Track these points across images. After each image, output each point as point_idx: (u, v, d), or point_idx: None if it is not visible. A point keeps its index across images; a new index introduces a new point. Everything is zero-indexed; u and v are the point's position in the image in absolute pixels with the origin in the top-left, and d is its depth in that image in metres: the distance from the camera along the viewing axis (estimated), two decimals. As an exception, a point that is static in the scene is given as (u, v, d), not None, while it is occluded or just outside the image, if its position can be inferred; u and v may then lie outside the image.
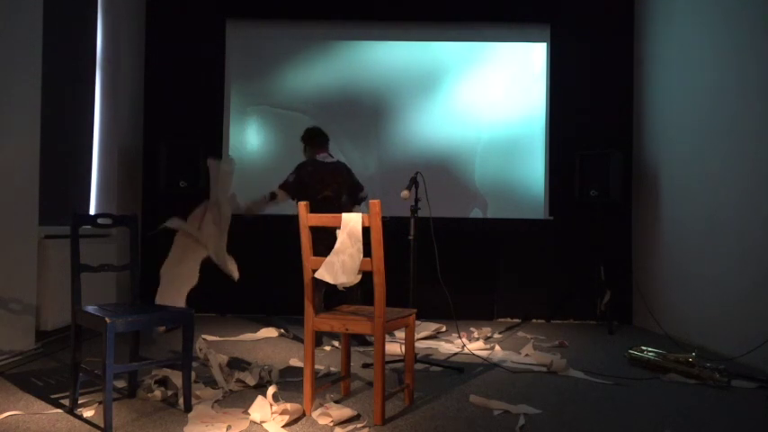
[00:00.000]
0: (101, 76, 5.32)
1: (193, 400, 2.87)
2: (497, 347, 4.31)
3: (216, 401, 2.93)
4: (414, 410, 2.90)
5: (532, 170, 5.86)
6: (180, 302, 3.69)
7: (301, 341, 4.44)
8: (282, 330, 4.86)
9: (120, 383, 3.12)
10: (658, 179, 5.32)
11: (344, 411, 2.74)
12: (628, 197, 5.75)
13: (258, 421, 2.66)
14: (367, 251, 2.73)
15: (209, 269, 5.83)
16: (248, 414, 2.72)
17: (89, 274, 2.90)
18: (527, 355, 4.10)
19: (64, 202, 4.72)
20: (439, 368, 3.72)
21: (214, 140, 5.81)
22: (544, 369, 3.71)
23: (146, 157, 5.81)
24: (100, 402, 2.85)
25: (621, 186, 5.35)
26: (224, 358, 3.54)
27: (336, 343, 4.39)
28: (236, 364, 3.67)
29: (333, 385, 3.09)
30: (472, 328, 5.10)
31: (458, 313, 4.81)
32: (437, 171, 5.71)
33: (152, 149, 5.69)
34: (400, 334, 4.50)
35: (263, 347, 4.30)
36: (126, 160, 5.51)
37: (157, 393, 2.97)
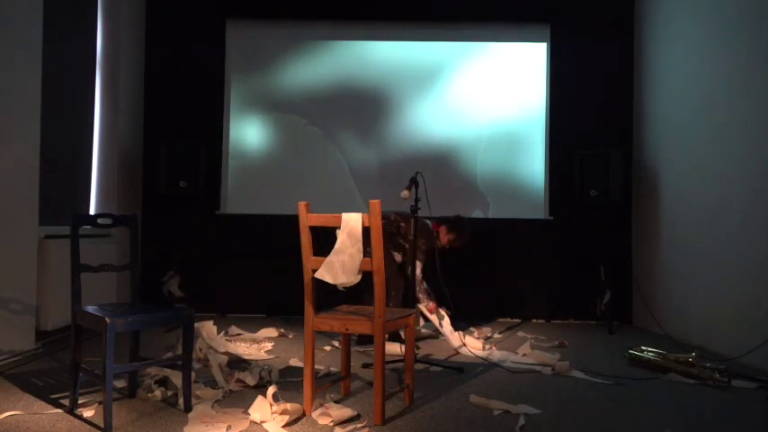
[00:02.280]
0: (101, 76, 5.32)
1: (193, 400, 2.86)
2: (494, 348, 4.29)
3: (216, 401, 2.93)
4: (414, 410, 2.89)
5: (532, 170, 5.86)
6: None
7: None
8: (282, 330, 4.86)
9: (120, 383, 3.12)
10: (658, 179, 5.32)
11: (344, 411, 2.74)
12: (628, 197, 5.75)
13: (258, 421, 2.66)
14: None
15: (209, 268, 5.85)
16: (248, 414, 2.72)
17: (89, 274, 2.90)
18: (524, 354, 4.10)
19: (64, 202, 4.72)
20: (439, 368, 3.72)
21: (214, 140, 5.81)
22: (547, 369, 3.71)
23: (146, 157, 5.81)
24: (100, 402, 2.85)
25: (621, 186, 5.35)
26: (224, 358, 3.54)
27: (336, 343, 4.39)
28: (236, 364, 3.67)
29: (333, 385, 3.09)
30: (472, 328, 5.11)
31: (458, 313, 4.80)
32: (437, 171, 5.71)
33: (152, 149, 5.70)
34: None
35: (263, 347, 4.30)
36: (126, 160, 5.51)
37: (157, 393, 2.97)
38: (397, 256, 4.38)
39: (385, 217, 4.25)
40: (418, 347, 4.26)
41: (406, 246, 4.34)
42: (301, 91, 5.91)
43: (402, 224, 4.39)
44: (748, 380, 3.48)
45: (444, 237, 4.60)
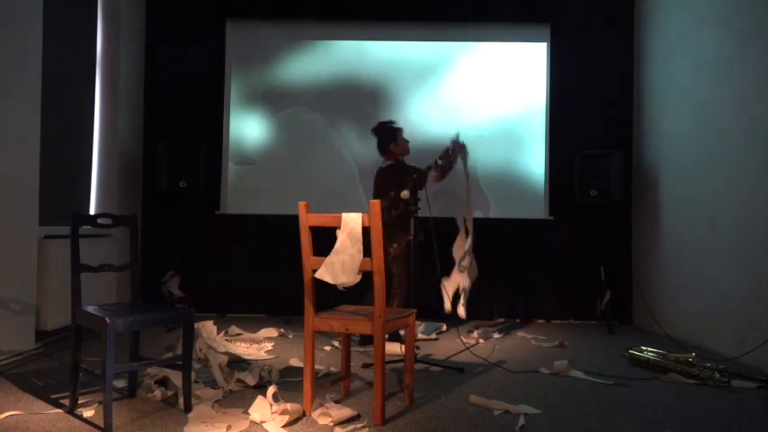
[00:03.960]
0: (101, 77, 5.32)
1: (193, 400, 2.86)
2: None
3: (216, 401, 2.93)
4: (414, 410, 2.90)
5: (532, 170, 5.86)
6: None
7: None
8: (282, 330, 4.86)
9: (120, 383, 3.12)
10: (658, 179, 5.32)
11: (344, 411, 2.74)
12: (628, 197, 5.74)
13: (258, 421, 2.66)
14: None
15: (210, 268, 5.85)
16: (248, 414, 2.72)
17: (89, 274, 2.90)
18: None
19: (64, 202, 4.72)
20: (439, 368, 3.72)
21: (214, 140, 5.81)
22: (546, 370, 3.72)
23: (146, 157, 5.81)
24: (100, 402, 2.85)
25: (621, 186, 5.34)
26: (224, 358, 3.53)
27: (336, 343, 4.39)
28: (236, 364, 3.67)
29: (333, 385, 3.09)
30: (472, 328, 5.11)
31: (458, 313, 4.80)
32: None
33: (152, 149, 5.69)
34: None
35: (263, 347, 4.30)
36: (126, 160, 5.51)
37: (157, 393, 2.97)
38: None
39: (385, 210, 4.16)
40: (418, 347, 4.26)
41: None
42: (301, 91, 5.90)
43: (392, 193, 4.25)
44: (748, 380, 3.48)
45: (432, 180, 4.33)
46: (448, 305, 4.32)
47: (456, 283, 4.31)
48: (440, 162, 4.26)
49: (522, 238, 5.80)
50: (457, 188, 4.56)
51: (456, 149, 4.28)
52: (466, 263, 4.35)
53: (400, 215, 4.24)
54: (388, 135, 4.50)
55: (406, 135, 4.63)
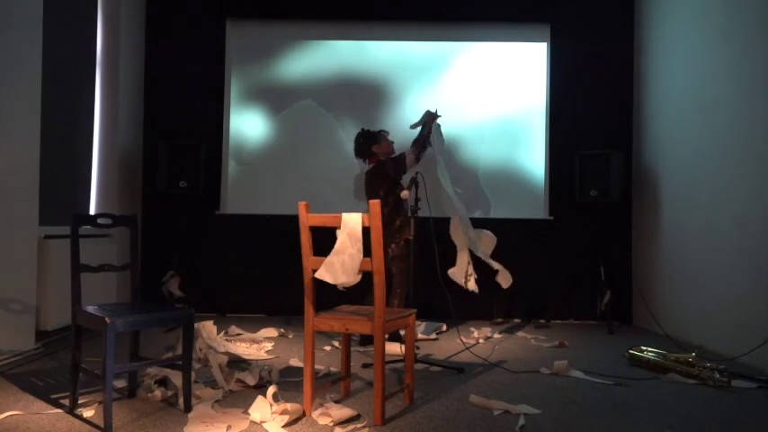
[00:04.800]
0: (101, 76, 5.32)
1: (193, 400, 2.86)
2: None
3: (216, 401, 2.93)
4: (414, 410, 2.90)
5: (532, 170, 5.86)
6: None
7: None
8: (282, 330, 4.86)
9: (120, 383, 3.12)
10: (658, 179, 5.32)
11: (344, 411, 2.74)
12: (628, 197, 5.74)
13: (258, 421, 2.66)
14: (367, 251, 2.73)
15: (209, 268, 5.85)
16: (248, 414, 2.72)
17: (89, 274, 2.90)
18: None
19: (64, 202, 4.72)
20: (439, 368, 3.72)
21: (214, 140, 5.81)
22: (546, 370, 3.72)
23: (146, 157, 5.81)
24: (100, 402, 2.85)
25: (621, 186, 5.34)
26: (224, 358, 3.53)
27: (336, 343, 4.39)
28: (236, 364, 3.67)
29: (333, 385, 3.09)
30: (472, 328, 5.11)
31: (458, 313, 4.81)
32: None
33: (152, 149, 5.69)
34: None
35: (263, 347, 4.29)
36: (126, 160, 5.51)
37: (157, 393, 2.97)
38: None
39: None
40: (418, 347, 4.26)
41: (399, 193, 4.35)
42: (301, 91, 5.90)
43: (381, 193, 4.44)
44: (748, 380, 3.48)
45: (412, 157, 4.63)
46: (468, 283, 4.48)
47: (463, 265, 4.46)
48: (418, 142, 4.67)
49: (522, 238, 5.79)
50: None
51: (429, 125, 4.67)
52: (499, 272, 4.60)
53: (391, 212, 4.32)
54: (371, 138, 4.68)
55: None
